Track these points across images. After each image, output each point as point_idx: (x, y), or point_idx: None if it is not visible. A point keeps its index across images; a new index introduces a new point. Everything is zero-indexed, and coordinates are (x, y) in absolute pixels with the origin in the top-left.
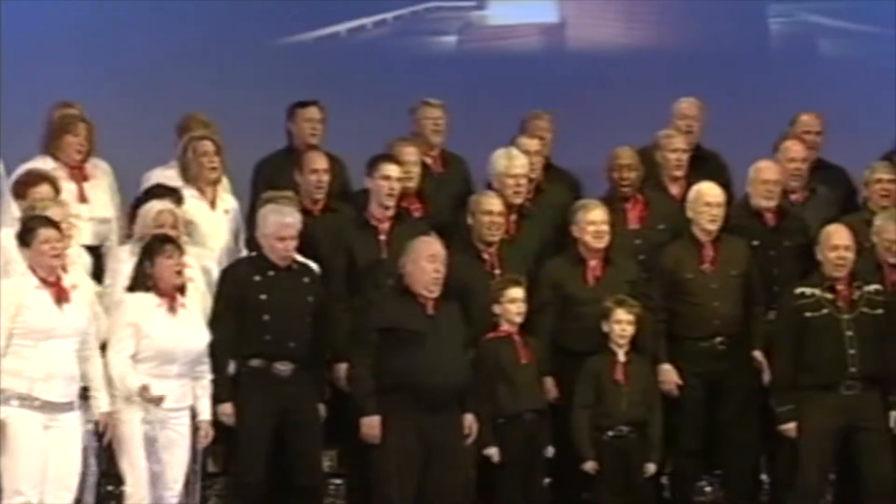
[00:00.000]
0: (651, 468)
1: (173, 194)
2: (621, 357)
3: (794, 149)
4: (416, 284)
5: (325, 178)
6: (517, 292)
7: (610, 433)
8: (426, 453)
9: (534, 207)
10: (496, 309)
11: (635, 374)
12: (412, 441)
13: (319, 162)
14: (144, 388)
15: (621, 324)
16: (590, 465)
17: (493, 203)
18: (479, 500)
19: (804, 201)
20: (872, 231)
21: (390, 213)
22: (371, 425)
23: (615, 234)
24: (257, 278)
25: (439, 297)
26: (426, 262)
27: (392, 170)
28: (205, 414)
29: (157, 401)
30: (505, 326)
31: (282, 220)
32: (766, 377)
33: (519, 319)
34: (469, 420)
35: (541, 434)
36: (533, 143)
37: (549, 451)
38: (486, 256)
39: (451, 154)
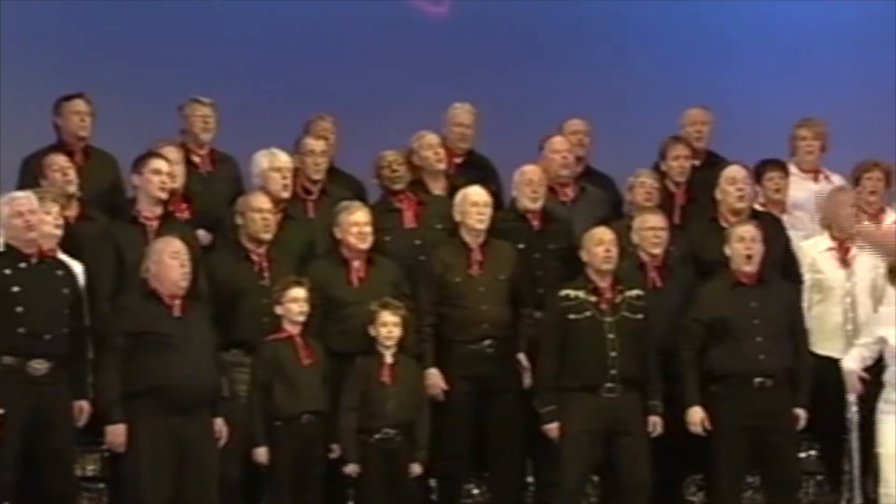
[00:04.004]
0: (417, 469)
1: None
2: (388, 359)
3: (557, 141)
4: (162, 284)
5: (71, 174)
6: (299, 292)
7: (377, 435)
8: (179, 456)
9: (316, 210)
10: (278, 310)
11: (403, 375)
12: (164, 444)
13: (58, 160)
14: None
15: (387, 326)
16: (351, 468)
17: (262, 201)
18: (252, 501)
19: (574, 200)
20: (633, 230)
21: (160, 210)
22: (116, 433)
23: (392, 234)
24: (8, 271)
25: (186, 298)
26: (170, 258)
27: (162, 164)
28: None
29: None
30: (287, 327)
31: (12, 195)
32: (527, 380)
33: (301, 319)
34: (219, 424)
35: (319, 436)
36: (319, 144)
37: (336, 450)
38: (254, 257)
39: (220, 153)
